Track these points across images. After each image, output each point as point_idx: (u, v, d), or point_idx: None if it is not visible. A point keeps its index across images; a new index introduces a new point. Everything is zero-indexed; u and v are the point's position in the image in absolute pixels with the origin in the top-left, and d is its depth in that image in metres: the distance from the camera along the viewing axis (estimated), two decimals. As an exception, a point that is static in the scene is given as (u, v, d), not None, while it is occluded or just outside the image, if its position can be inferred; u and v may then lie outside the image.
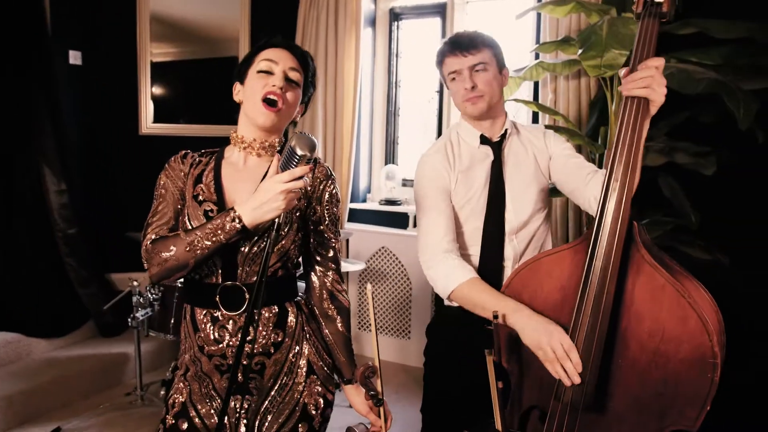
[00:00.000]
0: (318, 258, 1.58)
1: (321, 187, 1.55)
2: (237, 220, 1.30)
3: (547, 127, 2.18)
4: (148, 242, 1.41)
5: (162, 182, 1.49)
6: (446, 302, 1.76)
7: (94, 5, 4.11)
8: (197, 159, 1.52)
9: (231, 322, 1.45)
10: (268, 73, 1.45)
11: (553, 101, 3.22)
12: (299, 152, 1.26)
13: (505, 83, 1.82)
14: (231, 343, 1.44)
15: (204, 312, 1.46)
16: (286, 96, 1.45)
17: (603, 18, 2.35)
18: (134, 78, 4.22)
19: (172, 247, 1.35)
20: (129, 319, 3.05)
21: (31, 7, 3.65)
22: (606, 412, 1.37)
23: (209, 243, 1.32)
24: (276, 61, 1.46)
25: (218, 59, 4.34)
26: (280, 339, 1.49)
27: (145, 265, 1.41)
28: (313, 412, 1.51)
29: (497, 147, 1.79)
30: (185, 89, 4.46)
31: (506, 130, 1.81)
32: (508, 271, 1.74)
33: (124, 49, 4.17)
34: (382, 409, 1.51)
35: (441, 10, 4.03)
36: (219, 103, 4.42)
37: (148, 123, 4.27)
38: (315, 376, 1.54)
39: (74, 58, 4.07)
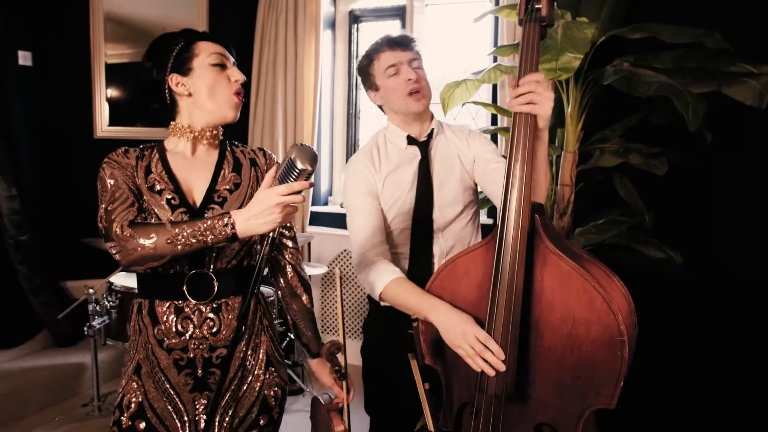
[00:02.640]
0: (285, 242, 1.66)
1: None
2: (230, 226, 1.29)
3: (502, 130, 2.20)
4: (121, 225, 1.33)
5: (109, 173, 1.43)
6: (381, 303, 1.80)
7: (44, 4, 3.99)
8: (140, 153, 1.50)
9: (197, 312, 1.44)
10: (222, 66, 1.50)
11: (512, 104, 3.27)
12: (299, 165, 1.21)
13: None
14: (195, 335, 1.44)
15: (167, 304, 1.45)
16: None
17: (558, 22, 2.39)
18: (88, 79, 4.11)
19: (152, 235, 1.30)
20: (85, 328, 2.97)
21: (-22, 7, 3.53)
22: (529, 399, 1.43)
23: (194, 241, 1.30)
24: (227, 57, 1.52)
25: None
26: (241, 331, 1.50)
27: (114, 249, 1.33)
28: (272, 403, 1.55)
29: (424, 147, 1.84)
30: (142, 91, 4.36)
31: (432, 130, 1.86)
32: (437, 267, 1.80)
33: (77, 49, 4.06)
34: (345, 383, 1.56)
35: (400, 13, 4.05)
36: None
37: (103, 126, 4.17)
38: (273, 368, 1.56)
39: (24, 58, 3.94)
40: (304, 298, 1.67)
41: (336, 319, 4.10)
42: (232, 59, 1.54)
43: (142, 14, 4.19)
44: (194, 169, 1.50)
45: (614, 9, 2.60)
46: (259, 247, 1.52)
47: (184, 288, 1.43)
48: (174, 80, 1.49)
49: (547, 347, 1.39)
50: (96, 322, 2.95)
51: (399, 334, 1.69)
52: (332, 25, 4.23)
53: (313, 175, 1.26)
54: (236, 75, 1.50)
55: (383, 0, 4.12)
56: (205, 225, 1.29)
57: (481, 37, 3.80)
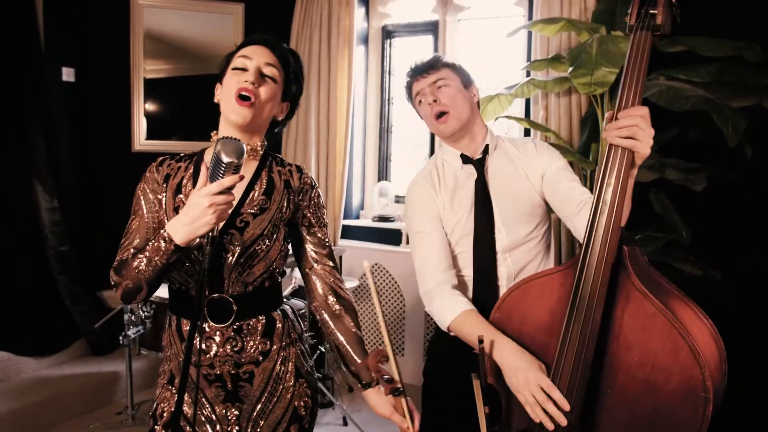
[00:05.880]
0: (317, 258, 1.58)
1: (309, 195, 1.55)
2: (168, 240, 1.26)
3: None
4: (113, 269, 1.40)
5: (139, 195, 1.48)
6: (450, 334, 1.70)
7: (87, 22, 4.12)
8: (175, 166, 1.51)
9: (218, 333, 1.43)
10: (243, 69, 1.43)
11: (545, 118, 3.25)
12: (225, 159, 1.16)
13: (475, 99, 1.80)
14: (219, 353, 1.44)
15: (190, 323, 1.43)
16: (260, 91, 1.42)
17: (593, 36, 2.38)
18: (127, 94, 4.21)
19: (124, 272, 1.35)
20: (120, 337, 3.02)
21: (25, 24, 3.65)
22: None
23: (152, 267, 1.30)
24: (250, 57, 1.44)
25: (212, 76, 4.25)
26: (268, 347, 1.49)
27: (113, 287, 1.40)
28: (303, 413, 1.53)
29: (480, 165, 1.73)
30: (179, 106, 4.46)
31: (487, 146, 1.76)
32: (503, 291, 1.67)
33: (117, 65, 4.18)
34: (405, 404, 1.40)
35: (433, 28, 4.07)
36: (213, 120, 4.44)
37: (141, 140, 4.27)
38: (302, 379, 1.55)
39: (67, 75, 4.07)
40: (349, 322, 1.56)
41: (372, 331, 4.10)
42: (269, 58, 1.45)
43: (179, 31, 4.30)
44: None
45: (650, 22, 2.57)
46: (277, 265, 1.51)
47: (205, 311, 1.41)
48: (216, 90, 1.52)
49: (619, 390, 1.27)
50: (131, 332, 3.00)
51: (461, 361, 1.57)
52: (365, 40, 4.27)
53: (242, 168, 1.19)
54: (246, 75, 1.40)
55: (416, 15, 4.15)
56: (150, 248, 1.30)
57: (515, 52, 3.80)
